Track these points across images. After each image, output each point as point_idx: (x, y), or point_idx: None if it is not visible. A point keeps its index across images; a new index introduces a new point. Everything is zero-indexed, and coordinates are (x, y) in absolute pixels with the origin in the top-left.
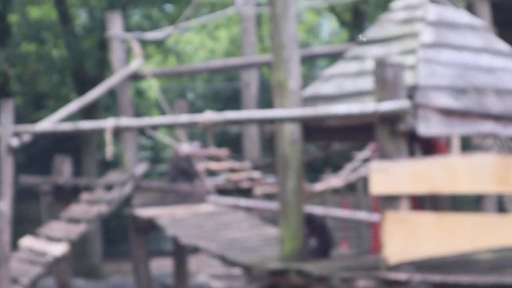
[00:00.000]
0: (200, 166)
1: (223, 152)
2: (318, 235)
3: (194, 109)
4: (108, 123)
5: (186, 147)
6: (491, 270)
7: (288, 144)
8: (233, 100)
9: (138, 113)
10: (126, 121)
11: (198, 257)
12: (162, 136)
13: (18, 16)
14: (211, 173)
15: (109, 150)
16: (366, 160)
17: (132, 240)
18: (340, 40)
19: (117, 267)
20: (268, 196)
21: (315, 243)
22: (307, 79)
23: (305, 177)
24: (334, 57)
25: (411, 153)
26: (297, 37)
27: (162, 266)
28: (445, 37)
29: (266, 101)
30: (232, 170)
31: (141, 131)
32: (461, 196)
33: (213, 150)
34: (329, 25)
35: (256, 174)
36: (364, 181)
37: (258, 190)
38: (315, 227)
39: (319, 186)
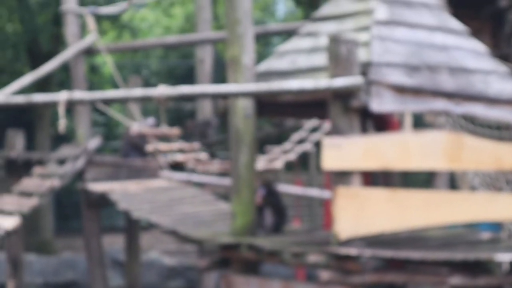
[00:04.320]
0: (150, 147)
1: (175, 131)
2: (272, 206)
3: (148, 86)
4: (61, 96)
5: (137, 126)
6: (441, 246)
7: (242, 119)
8: (187, 78)
9: (91, 90)
10: (79, 94)
11: (150, 234)
12: (114, 113)
13: None
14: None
15: (62, 123)
16: (314, 130)
17: (84, 215)
18: (295, 19)
19: (69, 243)
20: (222, 172)
21: (270, 217)
22: (262, 57)
23: (258, 154)
24: (289, 35)
25: (364, 130)
26: (251, 13)
27: (114, 242)
28: (399, 15)
29: (220, 79)
30: (182, 151)
31: (95, 107)
32: (413, 175)
33: (165, 129)
34: (285, 4)
35: (203, 156)
36: (317, 158)
37: (201, 168)
38: (271, 194)
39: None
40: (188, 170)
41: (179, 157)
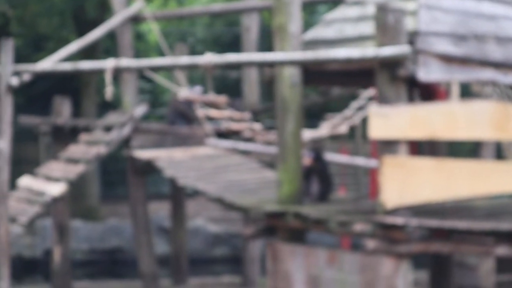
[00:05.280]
0: (200, 112)
1: (222, 99)
2: (319, 174)
3: (194, 53)
4: (108, 63)
5: (185, 92)
6: (487, 216)
7: (288, 88)
8: (233, 45)
9: (137, 57)
10: (126, 61)
11: (196, 201)
12: (161, 79)
13: None
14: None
15: (109, 91)
16: (371, 99)
17: (130, 182)
18: None
19: (115, 210)
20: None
21: (316, 185)
22: (308, 26)
23: (304, 122)
24: (335, 3)
25: (411, 99)
26: None
27: (159, 209)
28: None
29: (266, 47)
30: (232, 119)
31: (141, 74)
32: (458, 145)
33: (212, 96)
34: None
35: (257, 126)
36: (363, 128)
37: (260, 139)
38: (319, 161)
39: (323, 130)
40: (234, 138)
41: (234, 126)
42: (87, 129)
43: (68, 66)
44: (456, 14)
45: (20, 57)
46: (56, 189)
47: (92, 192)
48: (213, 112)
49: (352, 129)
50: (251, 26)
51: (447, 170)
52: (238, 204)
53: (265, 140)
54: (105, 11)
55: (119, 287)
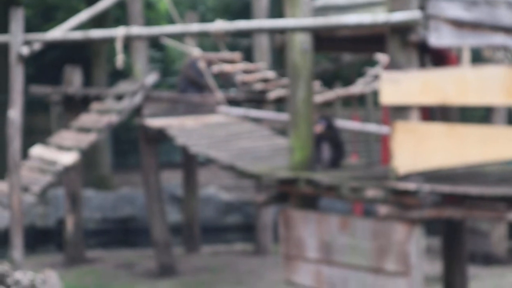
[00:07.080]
0: (215, 69)
1: (236, 55)
2: (330, 141)
3: (204, 22)
4: (119, 31)
5: (199, 51)
6: (499, 182)
7: (299, 54)
8: (243, 13)
9: (147, 26)
10: (137, 29)
11: (208, 169)
12: (174, 42)
13: None
14: (222, 85)
15: (120, 59)
16: (377, 77)
17: (142, 150)
18: None
19: (127, 179)
20: (279, 108)
21: (328, 151)
22: None
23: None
24: None
25: (422, 65)
26: None
27: (172, 178)
28: None
29: (276, 15)
30: (246, 72)
31: (152, 43)
32: (470, 111)
33: (226, 54)
34: None
35: (270, 74)
36: (374, 95)
37: (272, 94)
38: (330, 128)
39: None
40: (245, 105)
41: (247, 77)
42: (98, 98)
43: (78, 35)
44: None
45: (30, 27)
46: (68, 158)
47: (104, 161)
48: (227, 67)
49: (363, 96)
50: None
51: (459, 135)
52: (250, 171)
53: (277, 93)
54: None
55: (131, 255)
